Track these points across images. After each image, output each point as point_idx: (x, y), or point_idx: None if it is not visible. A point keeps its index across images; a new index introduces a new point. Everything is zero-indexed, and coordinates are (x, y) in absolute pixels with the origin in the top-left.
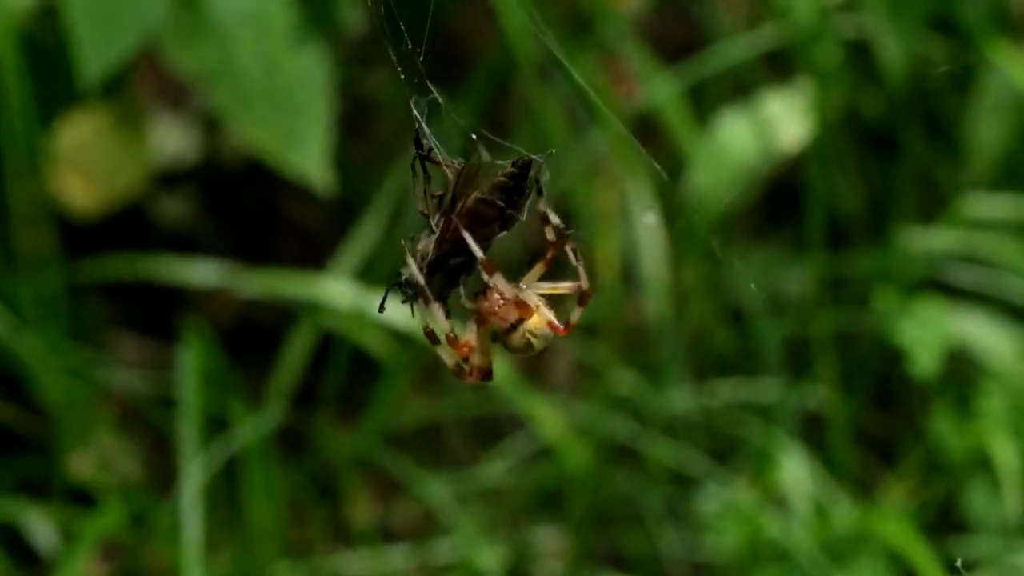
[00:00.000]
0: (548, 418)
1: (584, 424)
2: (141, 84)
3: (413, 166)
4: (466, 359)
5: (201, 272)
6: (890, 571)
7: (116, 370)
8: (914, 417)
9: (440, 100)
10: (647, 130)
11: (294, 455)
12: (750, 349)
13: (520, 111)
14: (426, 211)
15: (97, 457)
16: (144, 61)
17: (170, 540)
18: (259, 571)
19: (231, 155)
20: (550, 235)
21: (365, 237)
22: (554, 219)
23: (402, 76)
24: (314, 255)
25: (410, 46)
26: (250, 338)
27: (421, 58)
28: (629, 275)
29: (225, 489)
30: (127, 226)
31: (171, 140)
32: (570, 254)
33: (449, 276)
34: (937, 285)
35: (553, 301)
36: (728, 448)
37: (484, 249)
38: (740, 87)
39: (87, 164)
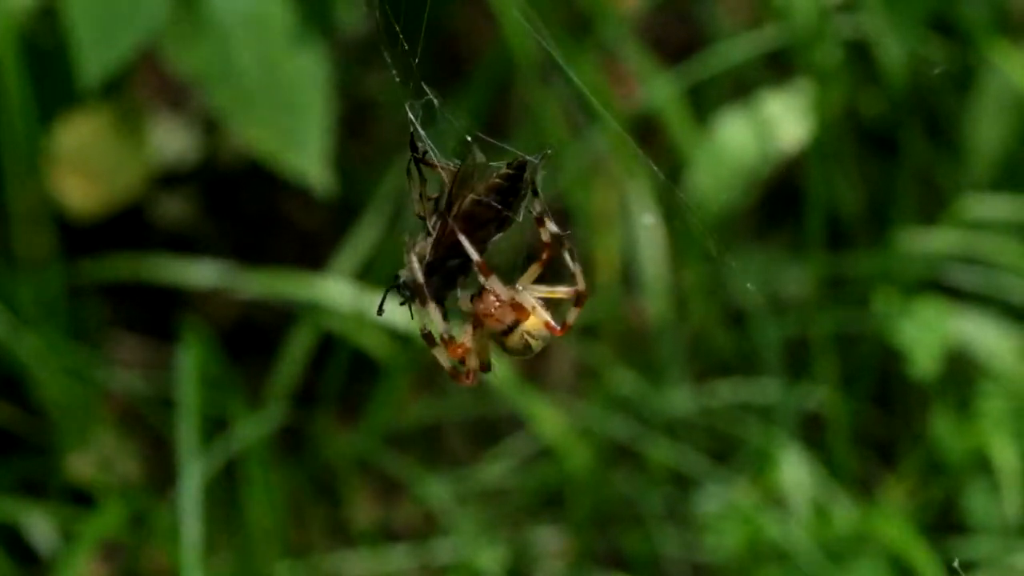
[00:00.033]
0: (548, 418)
1: (584, 424)
2: (141, 85)
3: (409, 169)
4: (462, 361)
5: (201, 272)
6: (890, 572)
7: (116, 370)
8: (914, 418)
9: (436, 102)
10: (647, 130)
11: (294, 456)
12: (750, 349)
13: (520, 112)
14: (422, 214)
15: (97, 457)
16: (144, 62)
17: (170, 540)
18: (259, 572)
19: (231, 156)
20: (545, 236)
21: (364, 238)
22: (551, 226)
23: (397, 79)
24: (314, 256)
25: (406, 48)
26: (250, 339)
27: (417, 60)
28: (629, 275)
29: (225, 490)
30: (127, 226)
31: (171, 141)
32: (566, 256)
33: (447, 278)
34: (937, 286)
35: (551, 302)
36: (728, 448)
37: (481, 251)
38: (740, 87)
39: (87, 164)
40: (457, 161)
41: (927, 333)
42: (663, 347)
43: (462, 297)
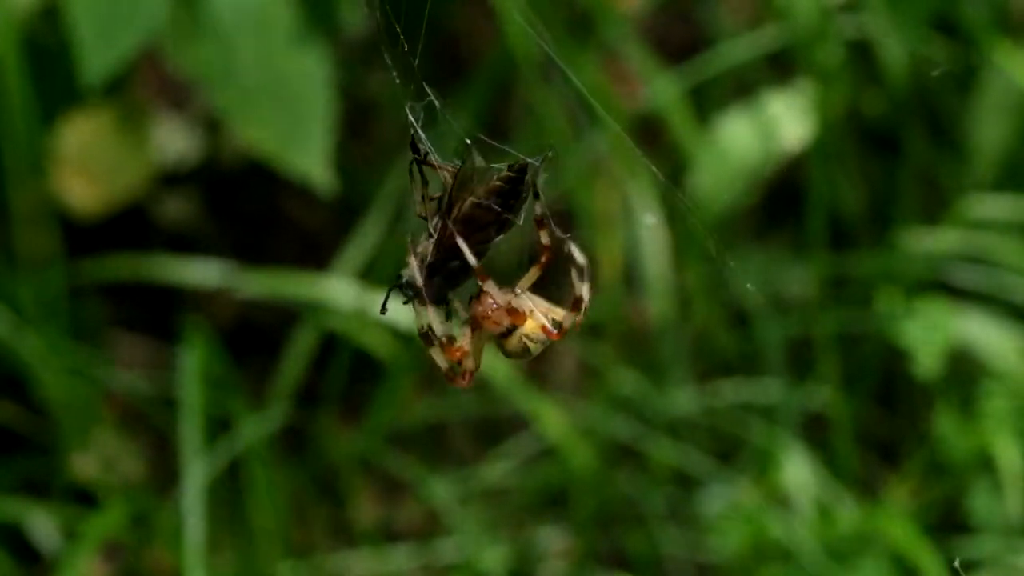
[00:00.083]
0: (551, 418)
1: (587, 424)
2: (143, 84)
3: (410, 171)
4: (459, 362)
5: (202, 272)
6: (893, 572)
7: (118, 370)
8: (917, 418)
9: (437, 103)
10: (649, 131)
11: (296, 455)
12: (753, 350)
13: (521, 112)
14: (424, 215)
15: (99, 457)
16: (146, 61)
17: (172, 540)
18: (261, 572)
19: (232, 156)
20: (545, 239)
21: (366, 237)
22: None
23: (398, 81)
24: (315, 255)
25: (407, 48)
26: (252, 338)
27: (418, 61)
28: (631, 276)
29: (227, 490)
30: (128, 226)
31: (173, 140)
32: (574, 256)
33: (449, 278)
34: (940, 286)
35: (556, 299)
36: (731, 448)
37: (481, 253)
38: (742, 87)
39: (89, 164)
40: (458, 162)
41: (930, 333)
42: (666, 347)
43: (459, 299)
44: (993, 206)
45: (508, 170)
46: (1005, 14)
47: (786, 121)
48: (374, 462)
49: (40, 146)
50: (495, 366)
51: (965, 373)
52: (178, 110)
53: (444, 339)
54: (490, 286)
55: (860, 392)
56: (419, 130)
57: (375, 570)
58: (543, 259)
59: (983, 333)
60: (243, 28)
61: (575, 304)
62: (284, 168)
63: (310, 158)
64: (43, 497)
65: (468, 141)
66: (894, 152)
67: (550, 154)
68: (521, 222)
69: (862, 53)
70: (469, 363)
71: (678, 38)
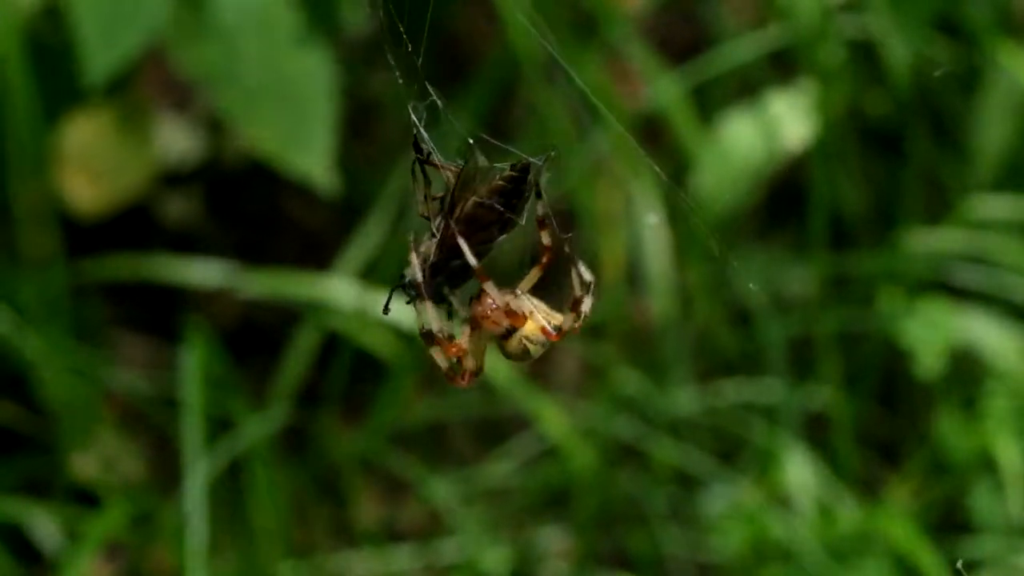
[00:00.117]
0: (553, 418)
1: (589, 424)
2: (145, 84)
3: (413, 170)
4: (459, 361)
5: (204, 272)
6: (894, 572)
7: (119, 370)
8: (918, 417)
9: (439, 103)
10: (652, 130)
11: (298, 455)
12: (754, 349)
13: (524, 112)
14: (427, 215)
15: (100, 457)
16: (149, 61)
17: (174, 540)
18: (263, 571)
19: (235, 155)
20: (546, 240)
21: (368, 238)
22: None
23: (400, 80)
24: (317, 256)
25: (410, 48)
26: (253, 338)
27: (420, 61)
28: (633, 275)
29: (229, 490)
30: (131, 226)
31: (175, 140)
32: (582, 273)
33: (451, 278)
34: (942, 285)
35: (558, 303)
36: (732, 448)
37: (483, 252)
38: (745, 87)
39: (91, 164)
40: (460, 162)
41: (932, 333)
42: (667, 347)
43: (459, 299)
44: (995, 206)
45: (511, 170)
46: (1008, 14)
47: (788, 121)
48: (375, 462)
49: (43, 145)
50: (496, 366)
51: (966, 373)
52: (180, 110)
53: (441, 334)
54: (490, 287)
55: (861, 392)
56: (422, 130)
57: (376, 570)
58: (544, 259)
59: (984, 333)
60: (246, 28)
61: (574, 306)
62: (286, 168)
63: (312, 158)
64: (44, 497)
65: (471, 141)
66: (897, 152)
67: (552, 154)
68: (523, 222)
69: (865, 53)
70: (469, 362)
71: (680, 38)
